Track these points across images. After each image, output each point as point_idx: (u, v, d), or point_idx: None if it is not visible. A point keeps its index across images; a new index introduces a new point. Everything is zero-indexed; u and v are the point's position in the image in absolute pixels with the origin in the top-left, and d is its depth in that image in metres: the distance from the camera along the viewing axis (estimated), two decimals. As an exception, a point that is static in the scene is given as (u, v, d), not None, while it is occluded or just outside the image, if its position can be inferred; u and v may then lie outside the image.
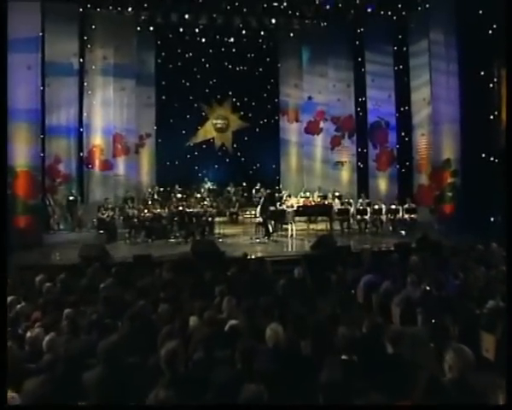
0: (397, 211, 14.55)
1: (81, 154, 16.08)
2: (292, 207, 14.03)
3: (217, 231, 14.21)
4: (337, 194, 16.34)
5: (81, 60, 15.63)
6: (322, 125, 18.37)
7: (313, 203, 15.13)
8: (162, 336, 4.01)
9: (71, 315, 5.50)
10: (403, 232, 13.82)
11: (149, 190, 16.96)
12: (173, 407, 3.16)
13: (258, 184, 17.40)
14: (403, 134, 16.97)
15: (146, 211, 13.95)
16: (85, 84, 15.98)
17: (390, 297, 7.28)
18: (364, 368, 3.33)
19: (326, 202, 15.16)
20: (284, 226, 14.38)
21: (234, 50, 18.22)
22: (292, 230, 13.64)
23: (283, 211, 13.98)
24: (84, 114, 16.03)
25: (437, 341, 5.12)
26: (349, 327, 4.13)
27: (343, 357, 3.50)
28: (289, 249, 12.35)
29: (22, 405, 3.39)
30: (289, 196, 15.23)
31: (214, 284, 7.00)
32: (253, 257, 10.35)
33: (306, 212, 14.44)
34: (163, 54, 18.10)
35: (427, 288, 6.40)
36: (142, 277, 8.00)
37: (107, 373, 3.37)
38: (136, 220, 13.64)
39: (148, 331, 4.85)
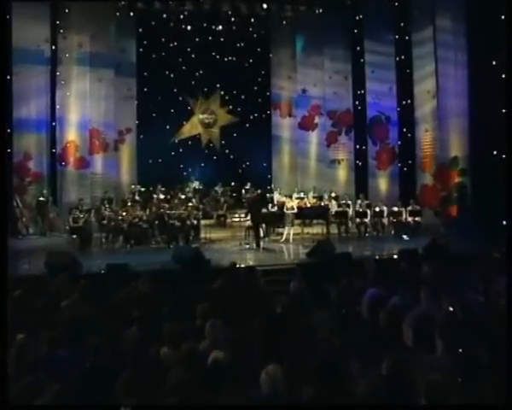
0: (400, 213, 13.99)
1: (54, 150, 15.48)
2: (292, 209, 13.48)
3: (203, 235, 13.69)
4: (334, 195, 15.92)
5: (53, 47, 15.05)
6: (317, 120, 17.98)
7: (308, 205, 14.49)
8: (121, 387, 3.19)
9: (18, 344, 4.65)
10: (406, 237, 13.30)
11: (131, 189, 16.44)
12: (173, 407, 3.21)
13: (249, 184, 17.03)
14: (405, 130, 16.52)
15: (124, 213, 13.43)
16: (58, 73, 15.34)
17: (400, 316, 6.54)
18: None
19: (322, 204, 14.58)
20: (276, 230, 13.85)
21: (222, 39, 17.87)
22: (288, 234, 13.20)
23: (282, 213, 13.46)
24: (57, 107, 15.42)
25: (466, 374, 4.37)
26: (363, 367, 3.34)
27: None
28: (283, 257, 11.74)
29: (22, 405, 3.42)
30: (290, 196, 14.67)
31: (197, 301, 6.27)
32: (242, 266, 9.63)
33: (301, 214, 13.79)
34: (145, 42, 17.61)
35: (451, 308, 5.62)
36: (115, 291, 7.20)
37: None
38: (113, 224, 13.10)
39: (109, 368, 4.05)
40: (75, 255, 9.76)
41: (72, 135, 15.77)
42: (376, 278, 8.17)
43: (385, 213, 14.01)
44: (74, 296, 6.73)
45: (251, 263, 10.50)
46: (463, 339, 5.20)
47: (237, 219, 15.15)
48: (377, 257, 10.67)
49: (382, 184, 16.83)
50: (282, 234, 13.51)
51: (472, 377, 4.34)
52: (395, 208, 14.12)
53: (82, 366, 4.25)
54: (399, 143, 16.76)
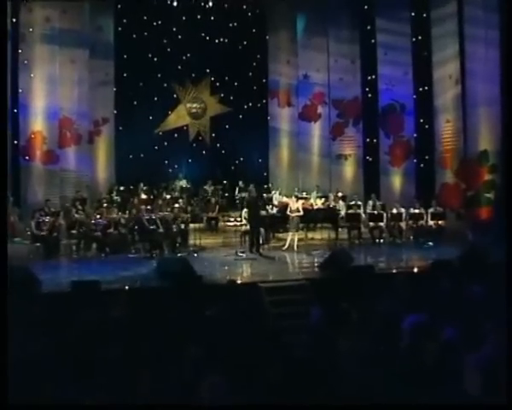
0: (420, 216, 13.13)
1: (16, 142, 14.78)
2: (298, 211, 12.57)
3: (191, 241, 12.96)
4: (340, 195, 15.29)
5: (14, 20, 14.30)
6: (320, 109, 17.22)
7: (315, 207, 13.79)
8: None
9: None
10: (430, 244, 12.45)
11: (108, 188, 15.89)
12: (174, 406, 3.59)
13: (241, 183, 16.61)
14: (422, 121, 15.96)
15: (99, 216, 12.82)
16: (20, 51, 14.64)
17: (460, 356, 5.24)
18: None
19: (331, 206, 13.98)
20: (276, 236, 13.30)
21: (212, 18, 17.03)
22: (293, 240, 12.37)
23: (285, 216, 12.64)
24: (20, 91, 14.75)
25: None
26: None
27: None
28: (289, 269, 10.91)
29: (22, 405, 3.69)
30: (296, 197, 13.87)
31: (186, 337, 5.19)
32: (241, 282, 8.81)
33: (307, 218, 12.97)
34: (124, 21, 16.83)
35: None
36: (77, 321, 5.99)
37: None
38: (85, 229, 12.44)
39: None
40: (31, 269, 8.62)
41: (38, 125, 15.12)
42: (411, 299, 7.01)
43: (403, 216, 13.19)
44: (21, 328, 5.44)
45: (251, 277, 9.79)
46: None
47: (232, 223, 14.31)
48: (402, 270, 9.93)
49: (396, 182, 16.16)
50: (283, 240, 12.76)
51: None
52: (415, 210, 13.30)
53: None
54: (416, 135, 16.16)
